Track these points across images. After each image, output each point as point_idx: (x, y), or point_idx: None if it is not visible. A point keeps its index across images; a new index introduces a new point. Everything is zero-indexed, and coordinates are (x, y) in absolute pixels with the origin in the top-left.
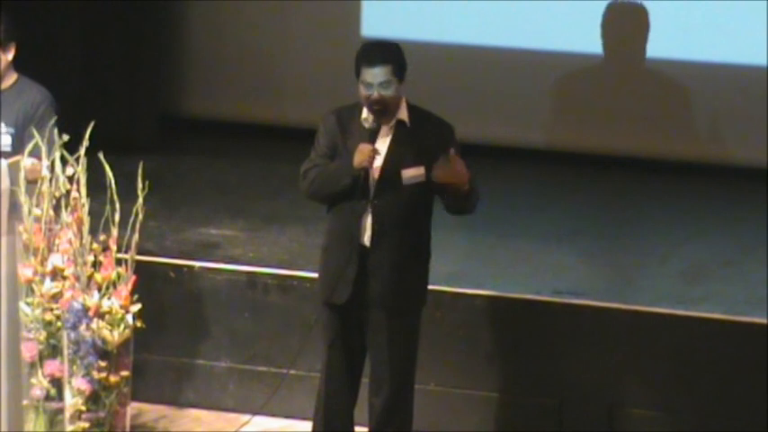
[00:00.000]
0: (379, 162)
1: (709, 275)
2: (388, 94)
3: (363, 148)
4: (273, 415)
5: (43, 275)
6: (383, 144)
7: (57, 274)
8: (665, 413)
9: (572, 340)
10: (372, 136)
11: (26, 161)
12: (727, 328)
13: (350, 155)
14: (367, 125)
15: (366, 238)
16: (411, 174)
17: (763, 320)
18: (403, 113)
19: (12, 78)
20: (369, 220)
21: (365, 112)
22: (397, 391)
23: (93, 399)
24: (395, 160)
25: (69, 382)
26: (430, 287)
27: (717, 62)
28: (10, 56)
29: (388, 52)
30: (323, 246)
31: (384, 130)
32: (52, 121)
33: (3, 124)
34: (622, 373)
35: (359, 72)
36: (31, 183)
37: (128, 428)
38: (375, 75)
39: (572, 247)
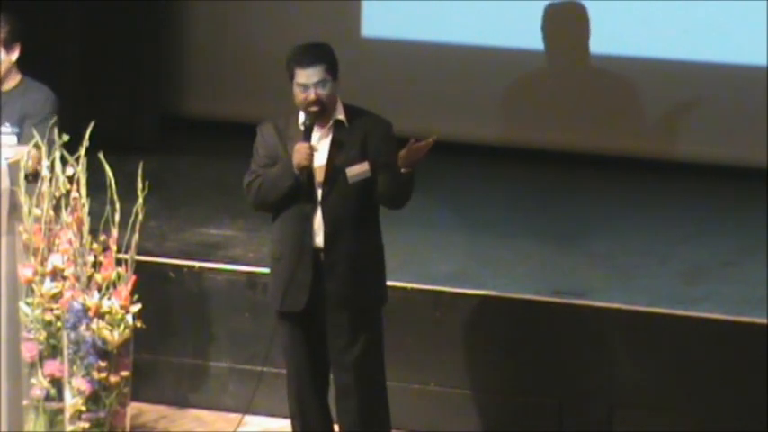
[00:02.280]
0: (322, 163)
1: (709, 275)
2: (325, 94)
3: (300, 148)
4: (273, 415)
5: (43, 275)
6: (323, 146)
7: (57, 274)
8: (665, 413)
9: (572, 340)
10: (307, 134)
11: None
12: (727, 328)
13: (288, 159)
14: (307, 122)
15: (319, 241)
16: (356, 171)
17: (763, 320)
18: (340, 113)
19: (16, 79)
20: (320, 223)
21: (302, 117)
22: (368, 394)
23: (94, 399)
24: (338, 160)
25: (69, 382)
26: (430, 287)
27: (717, 62)
28: (14, 57)
29: (320, 52)
30: (273, 256)
31: (323, 131)
32: (52, 120)
33: (7, 124)
34: (622, 373)
35: (292, 75)
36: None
37: (128, 428)
38: (310, 75)
39: (572, 247)
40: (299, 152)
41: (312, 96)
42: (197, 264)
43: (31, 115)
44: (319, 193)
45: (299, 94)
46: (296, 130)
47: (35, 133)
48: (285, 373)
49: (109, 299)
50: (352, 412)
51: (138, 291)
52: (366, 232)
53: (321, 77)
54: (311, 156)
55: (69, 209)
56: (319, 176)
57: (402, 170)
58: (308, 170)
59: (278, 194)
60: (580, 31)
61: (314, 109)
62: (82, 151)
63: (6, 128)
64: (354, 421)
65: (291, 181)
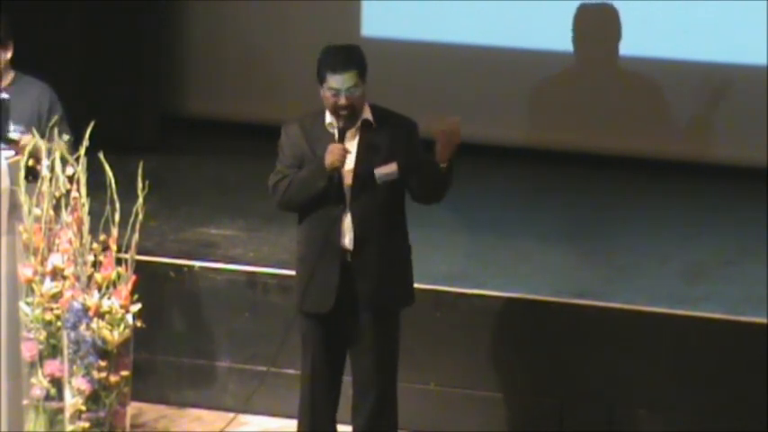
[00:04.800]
0: (350, 165)
1: (709, 275)
2: (356, 98)
3: (334, 149)
4: (273, 414)
5: (43, 275)
6: (352, 147)
7: (57, 274)
8: (665, 413)
9: (572, 340)
10: (342, 135)
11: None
12: (727, 328)
13: (320, 159)
14: (332, 129)
15: (348, 243)
16: (384, 171)
17: (763, 320)
18: (367, 114)
19: (9, 77)
20: (348, 225)
21: (329, 117)
22: (383, 393)
23: (94, 398)
24: (366, 161)
25: (69, 382)
26: (430, 287)
27: (717, 62)
28: (8, 54)
29: (353, 57)
30: (299, 257)
31: (350, 132)
32: (60, 113)
33: (10, 122)
34: (622, 373)
35: (323, 79)
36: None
37: (128, 428)
38: (342, 80)
39: (572, 247)
40: (332, 153)
41: (343, 101)
42: (197, 264)
43: (41, 115)
44: (348, 194)
45: (329, 98)
46: (323, 130)
47: (53, 136)
48: (287, 373)
49: (109, 298)
50: (366, 411)
51: (138, 290)
52: (394, 233)
53: (353, 83)
54: (344, 156)
55: (69, 208)
56: (348, 178)
57: (442, 165)
58: (339, 171)
59: (308, 195)
60: (588, 33)
61: (344, 113)
62: (82, 151)
63: (10, 126)
64: (367, 421)
65: (324, 181)
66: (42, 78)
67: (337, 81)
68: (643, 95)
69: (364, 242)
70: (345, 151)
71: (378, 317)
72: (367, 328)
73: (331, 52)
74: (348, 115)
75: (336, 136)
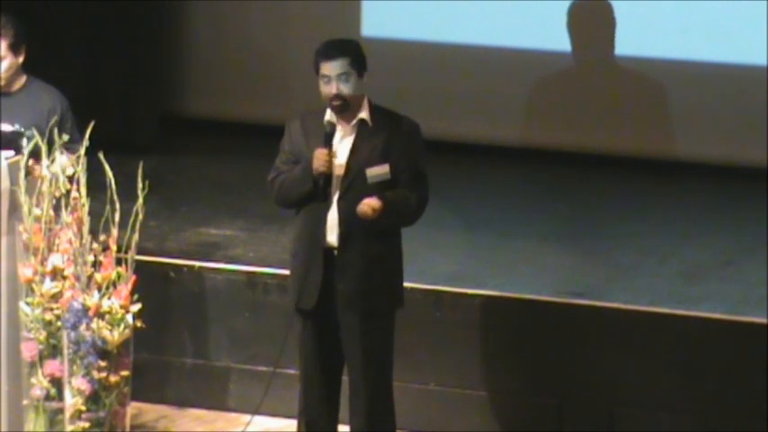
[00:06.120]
0: (342, 161)
1: (709, 275)
2: (347, 88)
3: (319, 154)
4: (274, 415)
5: (43, 275)
6: (346, 144)
7: (57, 274)
8: (666, 413)
9: (572, 340)
10: (328, 139)
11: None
12: (727, 328)
13: (308, 162)
14: (328, 129)
15: (333, 240)
16: (375, 172)
17: (763, 320)
18: (365, 112)
19: (21, 80)
20: (335, 222)
21: (328, 114)
22: (375, 394)
23: (93, 399)
24: (358, 160)
25: (69, 382)
26: (430, 287)
27: (717, 62)
28: (20, 59)
29: (345, 46)
30: (291, 252)
31: (346, 129)
32: (70, 122)
33: (17, 125)
34: (622, 373)
35: (318, 68)
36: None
37: (128, 428)
38: (333, 67)
39: (572, 247)
40: (317, 158)
41: (333, 89)
42: (197, 264)
43: (49, 122)
44: (336, 192)
45: (323, 87)
46: (321, 127)
47: (57, 137)
48: (287, 373)
49: (109, 299)
50: (360, 412)
51: (138, 291)
52: (383, 234)
53: (344, 70)
54: (329, 163)
55: (69, 209)
56: (339, 175)
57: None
58: (326, 176)
59: (297, 196)
60: (587, 32)
61: (336, 103)
62: (82, 151)
63: (17, 128)
64: (361, 421)
65: (310, 185)
66: (44, 79)
67: (328, 67)
68: (643, 95)
69: (350, 241)
70: (330, 156)
71: (364, 318)
72: (355, 328)
73: (325, 42)
74: (340, 107)
75: (324, 139)
